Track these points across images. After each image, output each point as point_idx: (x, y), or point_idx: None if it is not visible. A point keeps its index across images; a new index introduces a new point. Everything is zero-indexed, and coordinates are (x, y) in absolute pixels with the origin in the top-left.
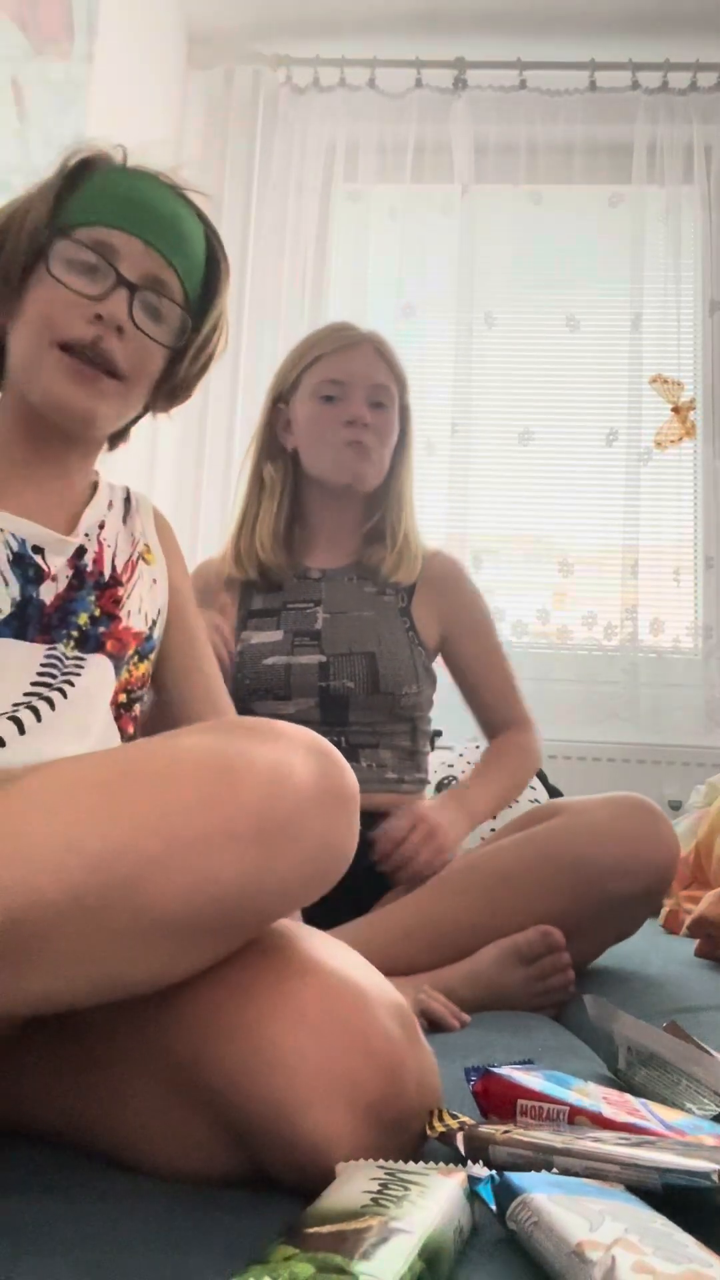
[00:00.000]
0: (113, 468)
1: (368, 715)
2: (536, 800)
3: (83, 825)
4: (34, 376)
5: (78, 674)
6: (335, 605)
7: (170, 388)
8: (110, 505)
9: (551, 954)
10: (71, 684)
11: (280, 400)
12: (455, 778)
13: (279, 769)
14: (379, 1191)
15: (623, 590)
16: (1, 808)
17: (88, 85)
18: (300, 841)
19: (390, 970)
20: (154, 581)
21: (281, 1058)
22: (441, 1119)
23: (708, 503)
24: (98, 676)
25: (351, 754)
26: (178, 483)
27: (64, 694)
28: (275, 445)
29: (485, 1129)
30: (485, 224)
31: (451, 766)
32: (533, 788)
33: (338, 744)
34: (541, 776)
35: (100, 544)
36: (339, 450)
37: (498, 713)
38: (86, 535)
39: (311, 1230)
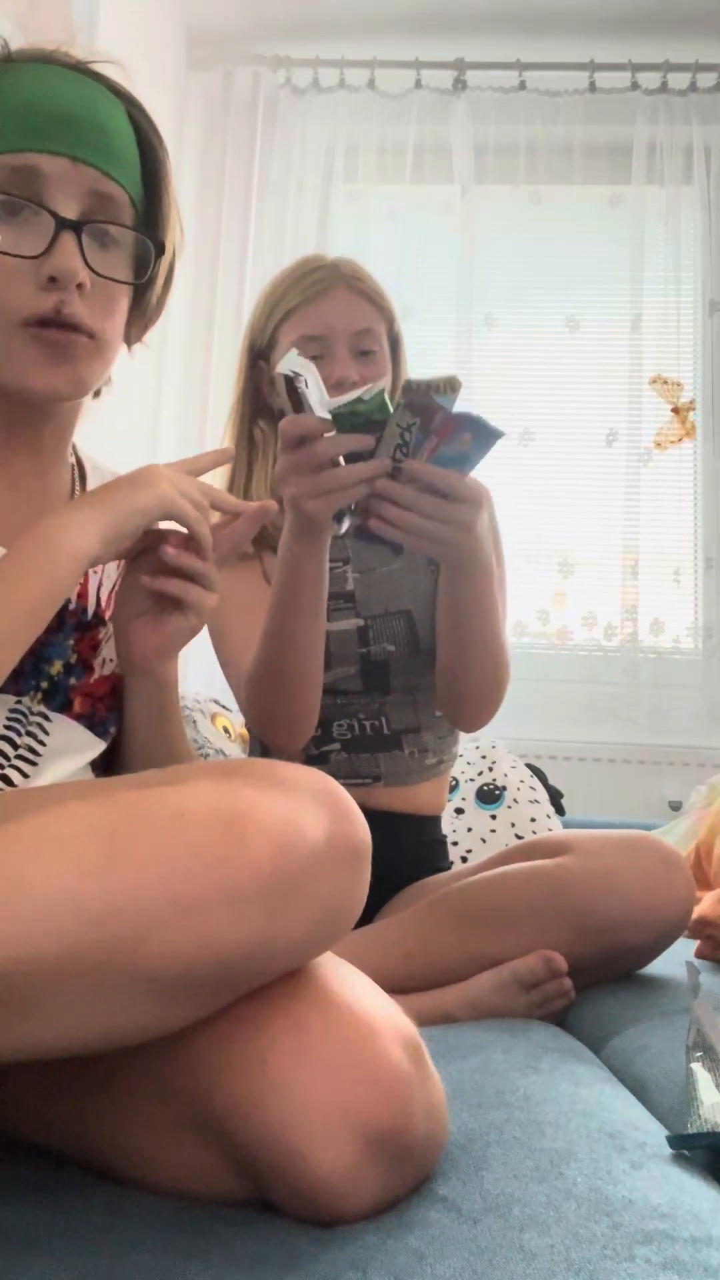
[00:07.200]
0: (116, 447)
1: (409, 679)
2: (537, 801)
3: (83, 879)
4: (2, 362)
5: (41, 735)
6: (364, 562)
7: (142, 315)
8: None
9: (553, 979)
10: (41, 746)
11: (260, 357)
12: (456, 780)
13: (289, 824)
14: None
15: (623, 591)
16: (0, 855)
17: None
18: (308, 902)
19: (387, 990)
20: None
21: (288, 1090)
22: None
23: (708, 503)
24: (67, 741)
25: (395, 742)
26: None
27: (31, 761)
28: (262, 405)
29: None
30: (485, 225)
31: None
32: (533, 789)
33: (379, 729)
34: (541, 777)
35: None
36: None
37: None
38: None
39: None
